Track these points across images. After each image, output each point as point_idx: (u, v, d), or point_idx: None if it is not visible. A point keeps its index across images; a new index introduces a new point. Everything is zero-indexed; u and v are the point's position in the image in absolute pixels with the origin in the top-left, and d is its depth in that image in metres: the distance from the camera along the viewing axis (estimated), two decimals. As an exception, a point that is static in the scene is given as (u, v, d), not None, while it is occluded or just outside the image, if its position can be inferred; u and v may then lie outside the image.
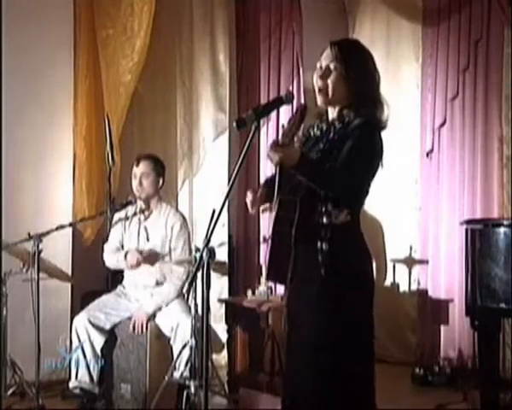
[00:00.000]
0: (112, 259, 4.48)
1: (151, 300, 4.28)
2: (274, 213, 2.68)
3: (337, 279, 2.56)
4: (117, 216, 4.51)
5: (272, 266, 2.73)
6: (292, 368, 2.73)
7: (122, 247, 4.48)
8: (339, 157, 2.54)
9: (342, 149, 2.55)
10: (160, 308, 4.26)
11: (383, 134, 2.66)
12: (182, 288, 4.31)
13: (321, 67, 2.65)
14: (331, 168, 2.54)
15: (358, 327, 2.62)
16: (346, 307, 2.58)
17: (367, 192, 2.66)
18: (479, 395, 4.13)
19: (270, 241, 2.75)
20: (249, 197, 2.71)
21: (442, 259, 5.48)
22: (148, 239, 4.40)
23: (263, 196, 2.71)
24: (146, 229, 4.41)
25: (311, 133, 2.74)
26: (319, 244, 2.56)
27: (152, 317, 4.26)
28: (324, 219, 2.57)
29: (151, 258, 4.34)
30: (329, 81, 2.62)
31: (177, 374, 4.07)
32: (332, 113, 2.69)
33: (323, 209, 2.57)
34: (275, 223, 2.67)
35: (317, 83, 2.66)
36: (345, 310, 2.58)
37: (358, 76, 2.62)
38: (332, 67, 2.62)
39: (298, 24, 5.79)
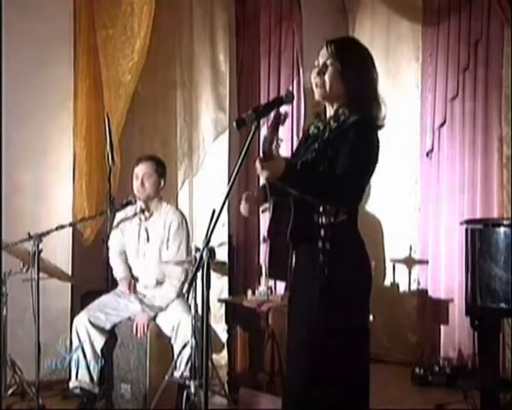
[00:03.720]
0: (114, 264, 4.54)
1: (152, 303, 4.28)
2: (270, 214, 2.69)
3: (335, 279, 2.55)
4: (118, 216, 4.51)
5: (272, 264, 2.74)
6: (290, 368, 2.74)
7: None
8: (333, 159, 2.54)
9: (337, 148, 2.55)
10: (161, 310, 4.27)
11: (382, 134, 2.66)
12: (181, 288, 4.31)
13: (318, 65, 2.68)
14: (324, 175, 2.54)
15: (355, 327, 2.62)
16: (343, 307, 2.57)
17: (363, 190, 2.65)
18: (479, 395, 4.13)
19: (268, 241, 2.76)
20: (244, 206, 2.72)
21: (442, 259, 5.48)
22: (148, 240, 4.40)
23: (261, 199, 2.74)
24: (146, 230, 4.42)
25: (310, 132, 2.75)
26: (316, 244, 2.55)
27: (152, 319, 4.27)
28: (320, 219, 2.56)
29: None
30: (326, 77, 2.64)
31: (177, 374, 4.07)
32: (329, 111, 2.70)
33: (319, 209, 2.56)
34: (270, 224, 2.68)
35: (314, 79, 2.68)
36: (342, 310, 2.57)
37: (355, 72, 2.63)
38: (328, 62, 2.64)
39: (298, 24, 5.80)
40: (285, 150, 5.80)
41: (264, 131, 2.43)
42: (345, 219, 2.58)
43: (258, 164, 2.42)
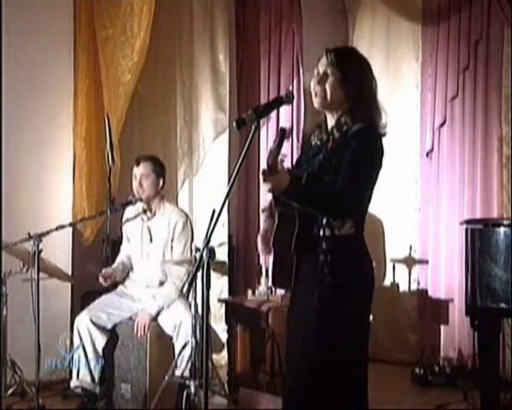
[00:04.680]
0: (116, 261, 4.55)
1: (153, 301, 4.28)
2: (275, 225, 2.68)
3: (337, 291, 2.55)
4: (125, 217, 4.53)
5: (277, 274, 2.74)
6: (290, 370, 2.74)
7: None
8: (338, 169, 2.53)
9: (341, 158, 2.55)
10: (162, 309, 4.27)
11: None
12: (183, 288, 4.31)
13: (318, 73, 2.67)
14: (327, 190, 2.54)
15: (355, 337, 2.62)
16: (346, 312, 2.57)
17: (370, 199, 2.65)
18: (479, 395, 4.13)
19: (272, 251, 2.77)
20: (261, 247, 2.82)
21: (442, 259, 5.48)
22: (151, 240, 4.41)
23: (269, 224, 2.80)
24: (149, 230, 4.42)
25: (313, 143, 2.74)
26: (320, 257, 2.55)
27: (154, 318, 4.27)
28: (326, 231, 2.56)
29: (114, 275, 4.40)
30: (327, 86, 2.63)
31: (178, 372, 4.07)
32: (330, 121, 2.69)
33: (324, 221, 2.56)
34: (275, 234, 2.69)
35: (314, 88, 2.67)
36: (345, 314, 2.57)
37: (354, 79, 2.63)
38: (329, 72, 2.64)
39: (298, 24, 5.80)
40: (284, 150, 5.81)
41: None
42: (352, 233, 2.59)
43: (261, 176, 2.41)
